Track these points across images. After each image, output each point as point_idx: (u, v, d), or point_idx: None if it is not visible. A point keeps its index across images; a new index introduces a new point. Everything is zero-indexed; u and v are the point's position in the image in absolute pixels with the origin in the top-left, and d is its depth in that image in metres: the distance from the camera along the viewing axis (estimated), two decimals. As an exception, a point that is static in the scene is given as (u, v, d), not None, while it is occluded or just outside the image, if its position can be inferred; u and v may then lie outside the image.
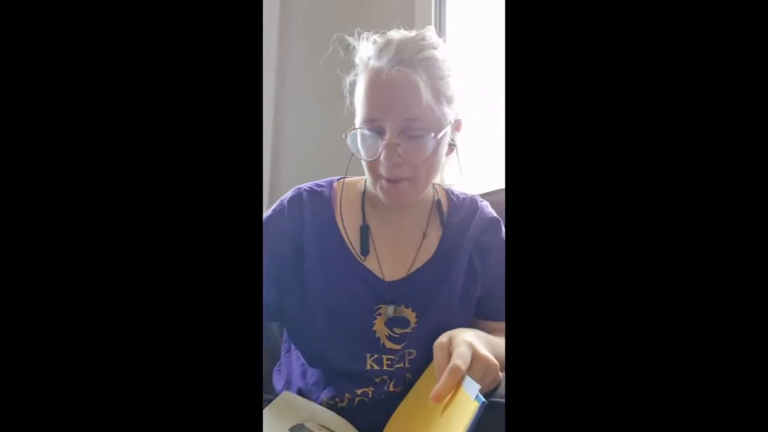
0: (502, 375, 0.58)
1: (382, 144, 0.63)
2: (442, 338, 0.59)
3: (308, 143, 1.55)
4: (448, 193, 0.80)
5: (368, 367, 0.70)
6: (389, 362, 0.70)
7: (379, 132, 0.64)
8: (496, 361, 0.56)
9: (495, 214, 0.78)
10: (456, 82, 0.68)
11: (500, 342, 0.66)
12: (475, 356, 0.55)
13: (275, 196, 1.57)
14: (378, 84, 0.63)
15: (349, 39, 0.70)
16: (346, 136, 0.66)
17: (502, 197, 1.00)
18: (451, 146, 0.72)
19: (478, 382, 0.52)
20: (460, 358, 0.53)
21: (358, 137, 0.65)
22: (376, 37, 0.68)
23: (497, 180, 1.20)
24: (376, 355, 0.70)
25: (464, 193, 0.81)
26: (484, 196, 0.99)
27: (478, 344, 0.57)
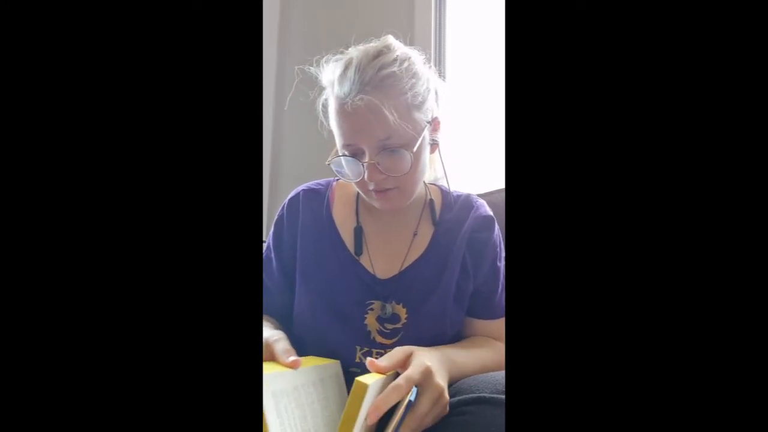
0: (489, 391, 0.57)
1: (363, 164, 0.66)
2: (406, 349, 0.59)
3: (308, 143, 1.55)
4: (443, 192, 0.82)
5: (357, 360, 0.71)
6: (378, 357, 0.71)
7: (359, 154, 0.67)
8: (447, 396, 0.56)
9: (490, 213, 0.79)
10: (423, 86, 0.68)
11: (467, 360, 0.66)
12: (430, 384, 0.54)
13: (275, 196, 1.57)
14: (345, 114, 0.65)
15: (311, 69, 0.72)
16: (329, 164, 0.69)
17: (502, 197, 1.00)
18: (434, 144, 0.73)
19: (426, 410, 0.53)
20: (405, 379, 0.53)
21: (342, 162, 0.68)
22: (337, 57, 0.69)
23: (497, 180, 1.20)
24: (365, 349, 0.72)
25: (459, 192, 0.81)
26: (484, 196, 1.00)
27: (438, 371, 0.56)
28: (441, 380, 0.55)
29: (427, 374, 0.54)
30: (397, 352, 0.58)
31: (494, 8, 1.47)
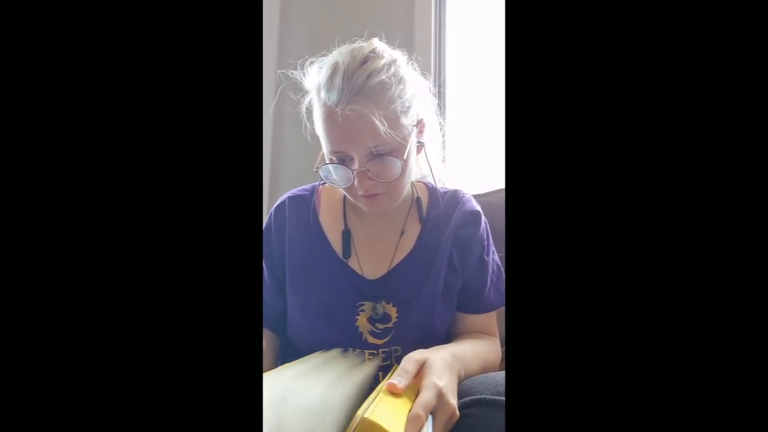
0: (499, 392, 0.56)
1: (353, 170, 0.65)
2: (417, 355, 0.58)
3: (308, 144, 1.55)
4: (429, 189, 0.81)
5: None
6: (371, 357, 0.72)
7: (347, 160, 0.66)
8: (458, 414, 0.54)
9: (477, 208, 0.79)
10: (409, 90, 0.67)
11: (472, 360, 0.65)
12: (443, 405, 0.53)
13: (275, 197, 1.57)
14: (334, 122, 0.63)
15: (294, 73, 0.70)
16: (317, 170, 0.68)
17: (502, 197, 1.00)
18: (420, 146, 0.73)
19: (439, 426, 0.52)
20: (423, 407, 0.51)
21: (330, 169, 0.67)
22: (321, 59, 0.68)
23: (497, 180, 1.20)
24: (357, 350, 0.72)
25: (446, 188, 0.81)
26: (484, 196, 0.99)
27: (449, 389, 0.55)
28: (452, 399, 0.54)
29: (440, 397, 0.53)
30: (410, 366, 0.56)
31: (494, 9, 1.47)
